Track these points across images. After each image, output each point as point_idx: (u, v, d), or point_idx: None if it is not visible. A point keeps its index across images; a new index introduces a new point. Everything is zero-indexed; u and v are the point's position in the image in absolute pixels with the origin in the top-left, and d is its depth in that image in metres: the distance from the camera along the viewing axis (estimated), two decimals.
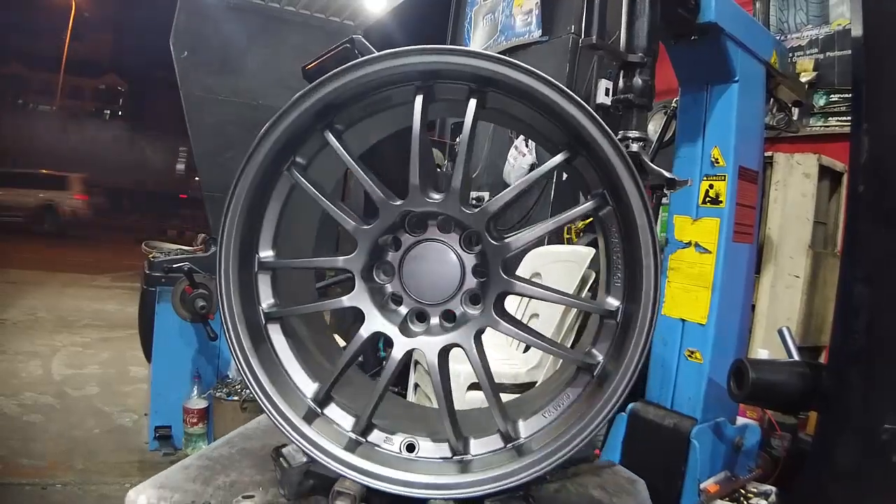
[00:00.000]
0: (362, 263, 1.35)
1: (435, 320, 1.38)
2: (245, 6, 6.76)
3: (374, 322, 1.35)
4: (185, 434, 4.28)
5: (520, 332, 1.34)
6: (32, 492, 3.74)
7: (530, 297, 1.36)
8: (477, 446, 1.33)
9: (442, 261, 1.34)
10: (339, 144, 1.35)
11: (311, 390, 1.40)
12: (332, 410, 1.40)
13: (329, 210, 1.37)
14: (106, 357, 6.85)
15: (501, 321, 1.32)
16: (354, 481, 1.26)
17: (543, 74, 1.20)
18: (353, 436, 1.35)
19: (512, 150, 5.01)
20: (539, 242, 4.35)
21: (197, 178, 7.37)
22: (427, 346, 1.33)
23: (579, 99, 1.19)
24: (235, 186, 1.37)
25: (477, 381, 3.01)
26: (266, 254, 1.44)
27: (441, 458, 1.33)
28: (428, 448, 1.35)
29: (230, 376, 4.50)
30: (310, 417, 1.36)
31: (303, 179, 1.38)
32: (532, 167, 4.92)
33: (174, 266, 4.22)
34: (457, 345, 1.33)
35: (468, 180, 1.31)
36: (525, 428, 1.34)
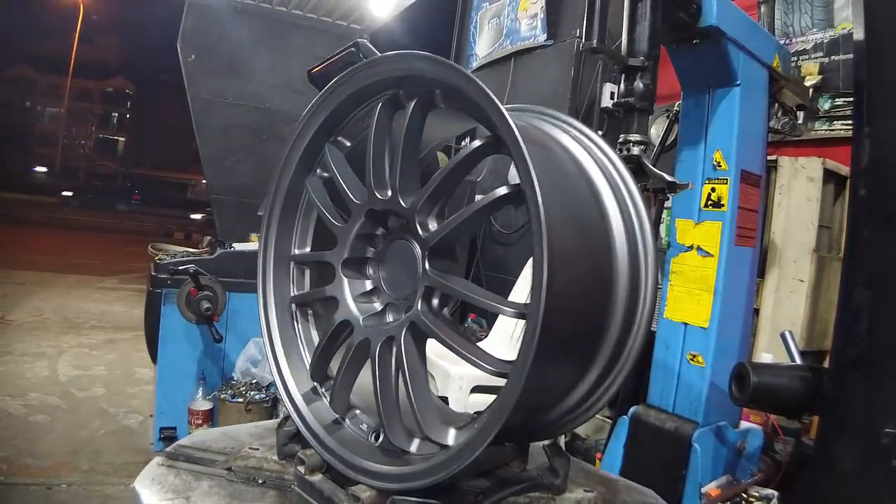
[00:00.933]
0: (343, 257, 1.44)
1: (399, 315, 1.39)
2: (252, 10, 6.81)
3: (343, 310, 1.43)
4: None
5: (438, 333, 1.25)
6: (37, 492, 3.76)
7: (448, 293, 1.30)
8: (419, 446, 1.29)
9: (404, 257, 1.37)
10: (329, 154, 1.48)
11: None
12: (329, 391, 1.48)
13: (320, 213, 1.50)
14: (112, 358, 6.89)
15: (424, 318, 1.25)
16: (315, 452, 1.36)
17: (454, 64, 1.22)
18: (336, 416, 1.43)
19: None
20: None
21: (204, 181, 7.41)
22: (374, 336, 1.33)
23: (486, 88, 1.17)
24: (273, 191, 1.56)
25: (481, 384, 3.01)
26: (301, 250, 1.61)
27: (391, 450, 1.32)
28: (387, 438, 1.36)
29: (235, 378, 4.52)
30: (308, 396, 1.47)
31: (308, 187, 1.53)
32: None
33: (180, 268, 4.24)
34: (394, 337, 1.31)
35: (411, 174, 1.32)
36: (455, 437, 1.25)
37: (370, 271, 1.47)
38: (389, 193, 1.33)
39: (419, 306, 1.26)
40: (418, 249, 1.31)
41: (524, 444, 1.39)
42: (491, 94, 1.12)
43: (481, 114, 1.19)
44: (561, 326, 1.07)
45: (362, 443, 1.37)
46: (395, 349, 1.29)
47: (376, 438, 1.36)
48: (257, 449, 1.49)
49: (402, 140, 1.30)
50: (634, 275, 1.24)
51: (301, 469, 1.34)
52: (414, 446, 1.28)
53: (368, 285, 1.46)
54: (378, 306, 1.43)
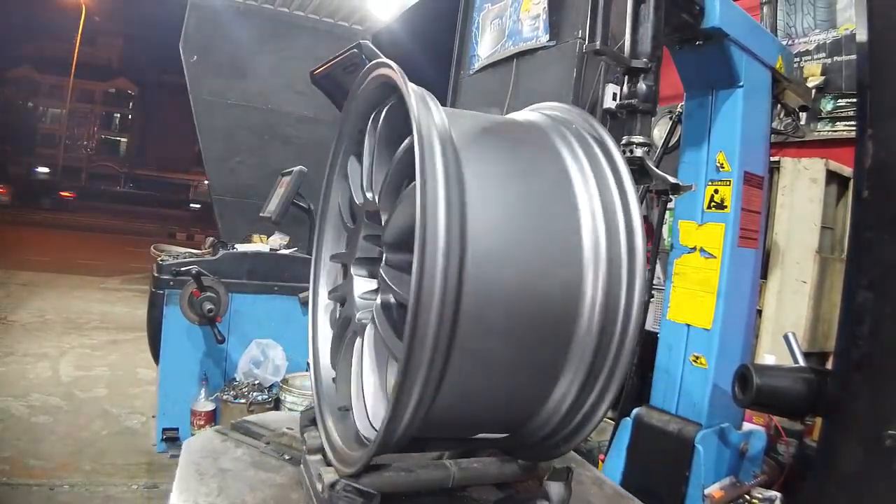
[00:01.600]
0: (354, 256, 1.51)
1: None
2: (254, 11, 6.82)
3: (349, 307, 1.50)
4: (192, 435, 4.30)
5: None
6: (40, 492, 3.77)
7: None
8: None
9: None
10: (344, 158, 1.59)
11: None
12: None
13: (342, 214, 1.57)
14: (114, 359, 6.90)
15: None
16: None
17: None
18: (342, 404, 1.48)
19: None
20: None
21: (206, 182, 7.41)
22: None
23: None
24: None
25: None
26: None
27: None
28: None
29: (237, 379, 4.53)
30: (329, 385, 1.57)
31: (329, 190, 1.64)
32: None
33: (182, 269, 4.25)
34: None
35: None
36: None
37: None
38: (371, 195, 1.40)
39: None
40: None
41: (531, 463, 1.40)
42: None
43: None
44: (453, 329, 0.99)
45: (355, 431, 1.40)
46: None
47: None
48: (292, 429, 1.70)
49: (377, 144, 1.35)
50: (611, 278, 1.16)
51: (304, 448, 1.44)
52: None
53: (374, 284, 1.48)
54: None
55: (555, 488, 1.36)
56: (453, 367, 1.02)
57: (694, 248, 2.57)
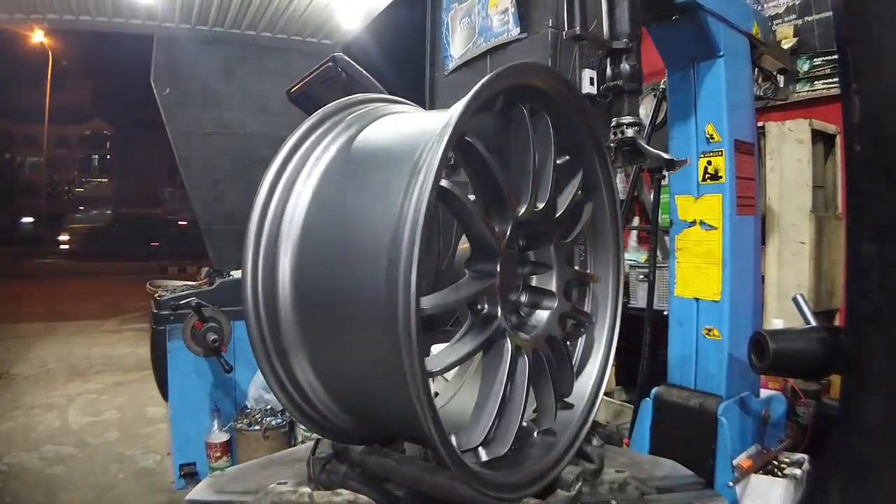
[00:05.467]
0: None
1: (514, 319, 1.44)
2: (221, 37, 6.79)
3: (513, 336, 1.28)
4: (210, 469, 4.27)
5: (584, 311, 1.59)
6: None
7: (578, 279, 1.58)
8: None
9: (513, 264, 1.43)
10: (480, 147, 1.18)
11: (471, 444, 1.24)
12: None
13: (476, 220, 1.19)
14: (122, 401, 6.86)
15: (568, 303, 1.49)
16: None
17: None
18: (482, 463, 1.24)
19: None
20: None
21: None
22: (540, 341, 1.39)
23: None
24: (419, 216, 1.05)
25: None
26: None
27: (534, 439, 1.40)
28: (491, 450, 1.30)
29: (249, 406, 4.50)
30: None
31: (455, 191, 1.14)
32: None
33: (182, 302, 4.22)
34: (552, 334, 1.43)
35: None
36: None
37: None
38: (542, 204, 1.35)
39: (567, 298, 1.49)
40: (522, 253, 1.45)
41: None
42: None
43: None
44: None
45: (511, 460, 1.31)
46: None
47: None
48: (285, 482, 1.39)
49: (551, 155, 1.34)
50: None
51: None
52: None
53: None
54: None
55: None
56: None
57: (693, 222, 2.57)
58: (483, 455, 1.22)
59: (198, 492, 1.52)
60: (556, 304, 1.44)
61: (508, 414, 1.26)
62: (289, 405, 1.29)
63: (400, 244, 0.96)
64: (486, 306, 1.24)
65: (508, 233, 1.24)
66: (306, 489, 1.33)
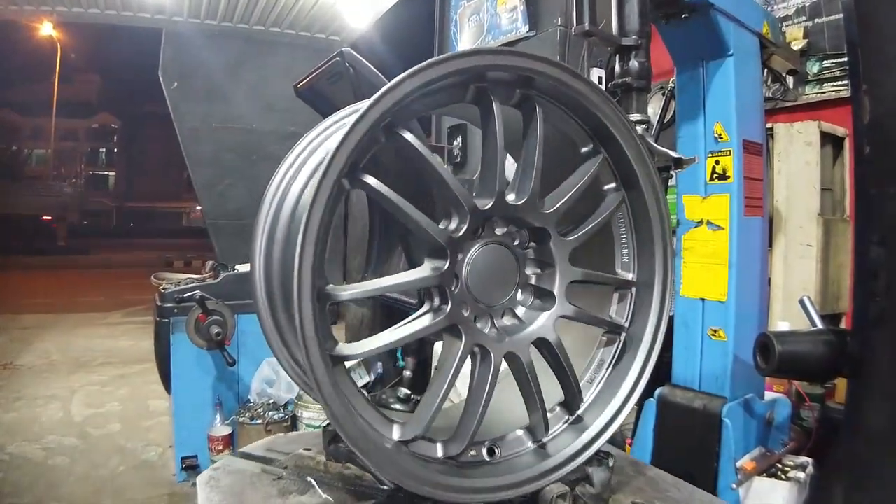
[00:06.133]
0: (452, 275, 1.25)
1: (507, 320, 1.38)
2: (230, 32, 6.79)
3: (472, 335, 1.27)
4: (212, 462, 4.27)
5: (582, 312, 1.43)
6: None
7: (591, 282, 1.48)
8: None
9: (501, 261, 1.33)
10: (416, 141, 1.21)
11: (395, 432, 1.24)
12: (419, 445, 1.25)
13: (414, 215, 1.20)
14: (124, 393, 6.86)
15: (571, 306, 1.40)
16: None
17: (578, 71, 1.30)
18: (447, 461, 1.26)
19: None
20: None
21: (199, 207, 7.39)
22: (518, 346, 1.32)
23: (605, 93, 1.24)
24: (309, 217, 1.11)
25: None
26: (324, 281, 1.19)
27: (526, 449, 1.36)
28: (507, 445, 1.36)
29: (251, 400, 4.50)
30: (402, 458, 1.22)
31: (377, 182, 1.19)
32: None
33: (186, 295, 4.22)
34: (541, 337, 1.35)
35: (538, 183, 1.33)
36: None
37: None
38: (514, 198, 1.31)
39: (566, 298, 1.39)
40: (520, 251, 1.38)
41: None
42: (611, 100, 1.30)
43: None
44: None
45: (491, 465, 1.32)
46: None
47: (492, 454, 1.34)
48: (309, 449, 1.62)
49: (538, 144, 1.31)
50: None
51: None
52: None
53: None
54: (471, 318, 1.31)
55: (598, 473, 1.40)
56: None
57: (700, 222, 2.56)
58: (439, 451, 1.26)
59: (250, 447, 1.76)
60: (552, 307, 1.37)
61: (468, 415, 1.26)
62: (303, 387, 1.49)
63: (298, 226, 1.10)
64: (436, 301, 1.26)
65: (466, 226, 1.24)
66: (322, 458, 1.51)
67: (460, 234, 1.24)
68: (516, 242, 1.37)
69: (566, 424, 1.41)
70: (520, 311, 1.39)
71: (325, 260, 1.15)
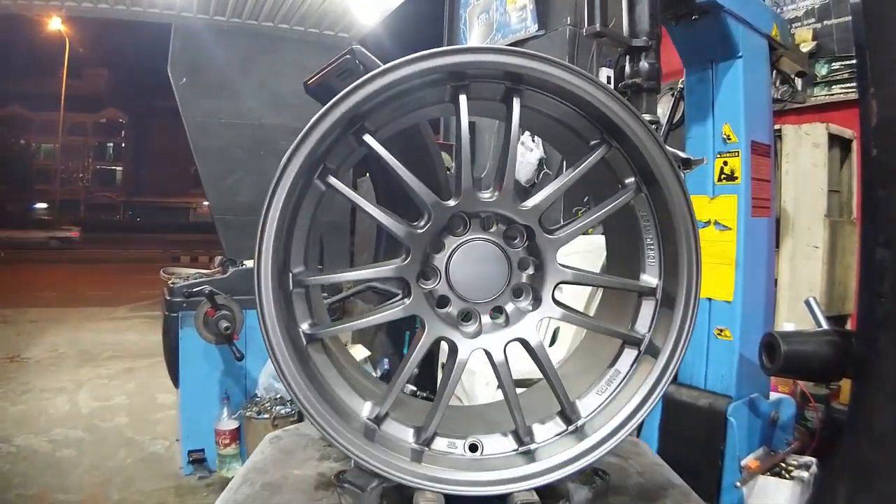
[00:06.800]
0: (417, 269, 1.29)
1: (486, 318, 1.35)
2: (239, 28, 6.80)
3: (436, 328, 1.31)
4: (219, 456, 4.30)
5: (576, 316, 1.38)
6: None
7: (584, 284, 1.42)
8: (541, 433, 1.33)
9: (488, 258, 1.32)
10: (380, 146, 1.27)
11: (365, 409, 1.32)
12: (390, 426, 1.33)
13: (374, 214, 1.29)
14: (131, 387, 6.90)
15: (559, 309, 1.34)
16: (434, 492, 1.24)
17: (576, 67, 1.23)
18: (417, 447, 1.31)
19: (518, 147, 5.00)
20: None
21: (206, 203, 7.42)
22: (492, 343, 1.31)
23: (611, 88, 1.22)
24: (268, 205, 1.27)
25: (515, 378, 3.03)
26: (298, 269, 1.34)
27: (509, 452, 1.33)
28: (492, 445, 1.34)
29: (259, 395, 4.52)
30: (370, 436, 1.29)
31: (342, 184, 1.30)
32: (540, 162, 4.92)
33: (195, 290, 4.24)
34: (519, 339, 1.32)
35: (511, 178, 1.31)
36: (583, 407, 1.35)
37: (426, 281, 1.34)
38: (489, 195, 1.30)
39: (552, 300, 1.33)
40: (511, 248, 1.33)
41: None
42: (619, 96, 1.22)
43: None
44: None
45: (467, 460, 1.32)
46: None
47: (474, 450, 1.34)
48: None
49: (510, 140, 1.29)
50: None
51: None
52: (538, 434, 1.34)
53: (436, 293, 1.34)
54: (453, 314, 1.34)
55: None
56: None
57: (708, 222, 2.57)
58: (411, 437, 1.32)
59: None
60: (531, 306, 1.34)
61: (434, 405, 1.30)
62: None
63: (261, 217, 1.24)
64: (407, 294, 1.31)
65: (430, 223, 1.27)
66: None
67: (422, 230, 1.27)
68: (514, 241, 1.34)
69: (562, 434, 1.33)
70: (510, 309, 1.35)
71: (294, 251, 1.33)
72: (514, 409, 1.30)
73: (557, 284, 1.34)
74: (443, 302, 1.34)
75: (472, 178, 1.30)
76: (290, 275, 1.32)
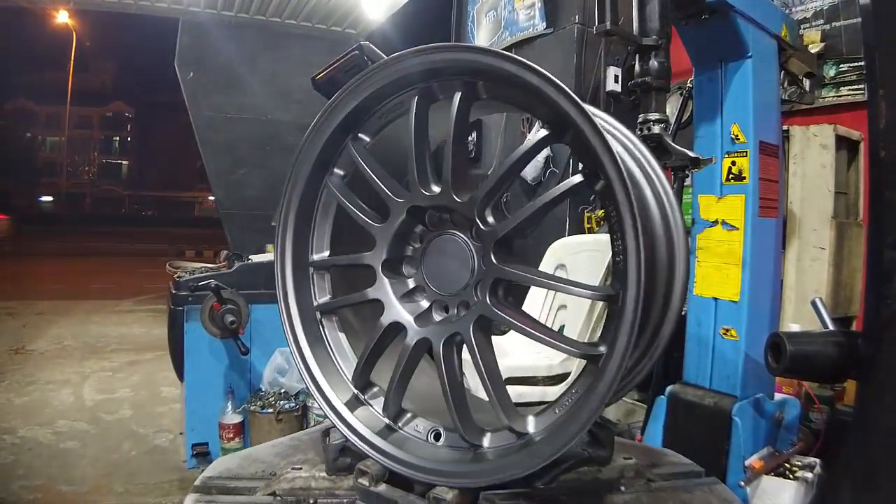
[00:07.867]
0: (382, 258, 1.43)
1: (454, 311, 1.38)
2: (246, 23, 6.81)
3: (392, 312, 1.41)
4: (223, 450, 4.31)
5: (517, 322, 1.26)
6: None
7: (524, 284, 1.31)
8: (492, 439, 1.31)
9: (454, 252, 1.36)
10: (354, 151, 1.47)
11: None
12: (373, 397, 1.50)
13: (351, 213, 1.48)
14: (136, 380, 6.92)
15: (497, 310, 1.26)
16: (376, 461, 1.34)
17: (524, 60, 1.23)
18: (387, 421, 1.43)
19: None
20: (549, 231, 4.35)
21: (211, 197, 7.43)
22: (434, 335, 1.34)
23: (550, 76, 1.17)
24: (286, 198, 1.55)
25: (515, 375, 3.02)
26: (320, 255, 1.59)
27: (460, 448, 1.34)
28: (452, 437, 1.37)
29: (263, 389, 4.54)
30: (352, 404, 1.47)
31: (332, 187, 1.53)
32: (547, 160, 4.91)
33: (200, 284, 4.25)
34: (458, 333, 1.31)
35: (462, 169, 1.33)
36: (535, 424, 1.26)
37: (408, 270, 1.47)
38: (439, 189, 1.34)
39: (487, 298, 1.28)
40: (475, 243, 1.33)
41: None
42: (566, 88, 1.16)
43: (531, 102, 1.24)
44: (644, 309, 1.09)
45: (424, 445, 1.37)
46: (456, 345, 1.33)
47: (436, 438, 1.38)
48: (300, 468, 1.44)
49: (453, 134, 1.31)
50: (670, 256, 1.29)
51: (363, 481, 1.32)
52: (486, 441, 1.31)
53: (410, 284, 1.45)
54: (424, 304, 1.43)
55: None
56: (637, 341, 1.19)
57: (715, 222, 2.57)
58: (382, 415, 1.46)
59: (209, 473, 1.54)
60: (470, 303, 1.32)
61: (397, 385, 1.40)
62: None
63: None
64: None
65: (398, 218, 1.40)
66: (319, 473, 1.44)
67: (381, 224, 1.43)
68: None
69: (514, 441, 1.27)
70: (474, 304, 1.32)
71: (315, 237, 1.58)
72: (450, 408, 1.30)
73: (496, 282, 1.29)
74: (415, 292, 1.45)
75: (420, 174, 1.36)
76: (309, 258, 1.58)
